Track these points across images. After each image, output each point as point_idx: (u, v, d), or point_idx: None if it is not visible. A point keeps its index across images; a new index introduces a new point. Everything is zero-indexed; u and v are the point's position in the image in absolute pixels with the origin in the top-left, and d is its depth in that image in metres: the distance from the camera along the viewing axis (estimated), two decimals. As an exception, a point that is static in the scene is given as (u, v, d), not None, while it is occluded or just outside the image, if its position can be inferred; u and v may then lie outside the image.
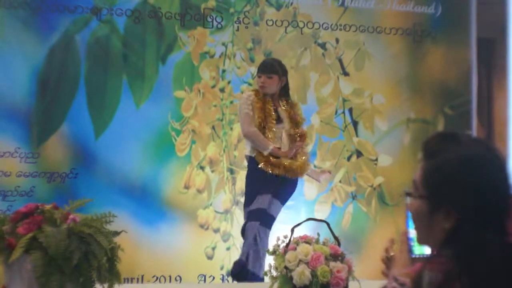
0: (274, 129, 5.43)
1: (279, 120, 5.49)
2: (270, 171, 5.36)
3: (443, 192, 1.76)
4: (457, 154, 1.78)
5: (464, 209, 1.74)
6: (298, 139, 5.49)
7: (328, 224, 4.23)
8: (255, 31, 6.60)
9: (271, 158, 5.37)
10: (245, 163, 5.91)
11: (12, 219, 3.59)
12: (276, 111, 5.49)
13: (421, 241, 1.86)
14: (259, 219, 5.31)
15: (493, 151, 1.82)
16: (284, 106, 5.54)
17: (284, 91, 5.57)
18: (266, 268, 4.13)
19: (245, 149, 5.56)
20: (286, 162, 5.39)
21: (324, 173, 5.90)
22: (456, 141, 1.80)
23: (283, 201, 5.50)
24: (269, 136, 5.40)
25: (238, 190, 6.40)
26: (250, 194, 5.48)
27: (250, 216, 5.37)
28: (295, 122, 5.53)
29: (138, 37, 6.37)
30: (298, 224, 4.44)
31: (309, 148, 6.44)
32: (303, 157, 5.52)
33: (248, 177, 5.61)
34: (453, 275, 1.69)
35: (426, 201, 1.79)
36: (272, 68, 5.49)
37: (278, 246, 4.07)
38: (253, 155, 5.45)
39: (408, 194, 1.84)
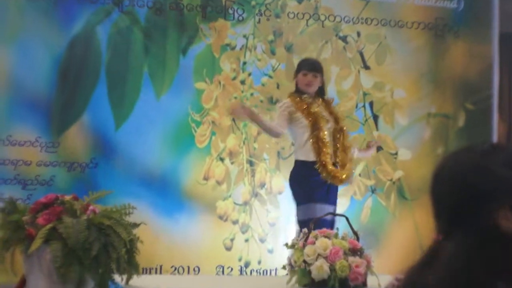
0: (325, 129, 5.38)
1: None
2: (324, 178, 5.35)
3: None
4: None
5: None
6: (338, 135, 5.44)
7: (347, 219, 4.24)
8: (276, 24, 6.58)
9: (329, 167, 5.33)
10: (265, 156, 5.94)
11: (32, 209, 3.62)
12: None
13: None
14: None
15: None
16: (322, 104, 5.49)
17: (321, 91, 5.53)
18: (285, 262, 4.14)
19: (300, 154, 5.45)
20: (338, 173, 5.37)
21: (370, 149, 5.87)
22: None
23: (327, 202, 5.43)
24: (322, 136, 5.32)
25: (257, 182, 6.39)
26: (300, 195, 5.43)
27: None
28: (337, 118, 5.50)
29: (159, 28, 6.36)
30: (318, 218, 4.46)
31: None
32: (350, 166, 5.53)
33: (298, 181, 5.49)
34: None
35: None
36: (318, 66, 5.49)
37: (297, 240, 4.08)
38: (308, 160, 5.36)
39: None
